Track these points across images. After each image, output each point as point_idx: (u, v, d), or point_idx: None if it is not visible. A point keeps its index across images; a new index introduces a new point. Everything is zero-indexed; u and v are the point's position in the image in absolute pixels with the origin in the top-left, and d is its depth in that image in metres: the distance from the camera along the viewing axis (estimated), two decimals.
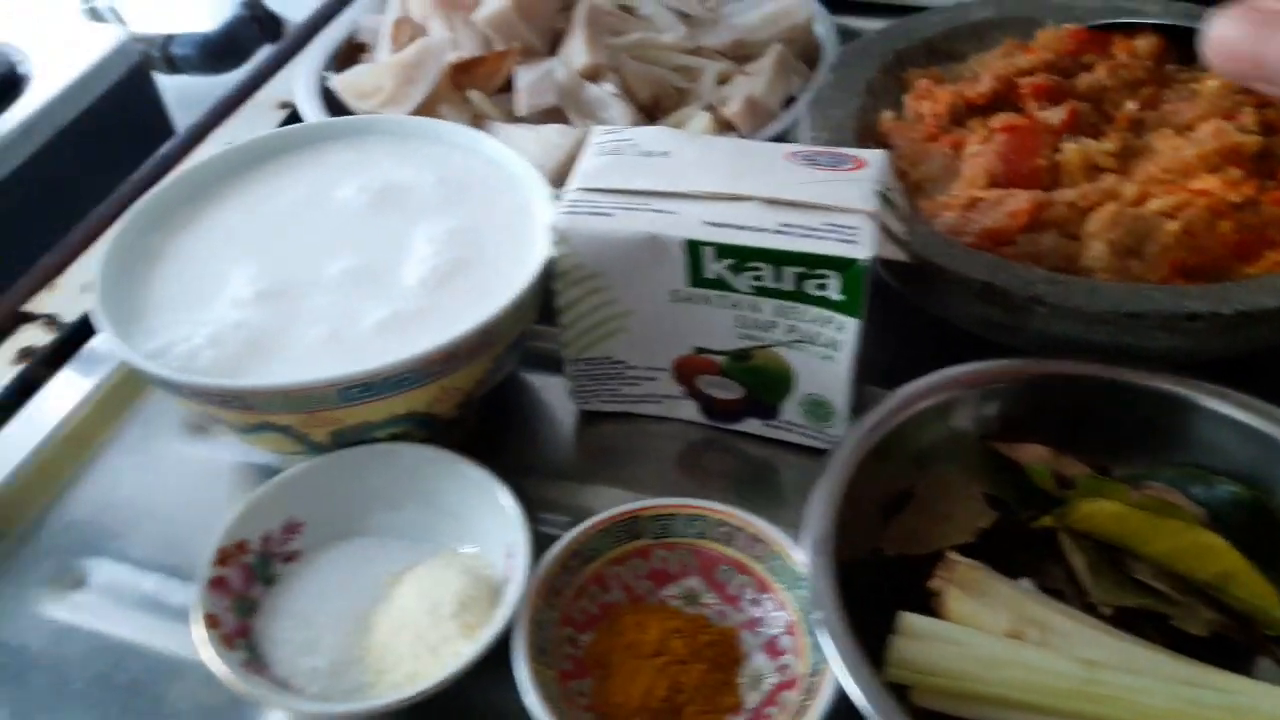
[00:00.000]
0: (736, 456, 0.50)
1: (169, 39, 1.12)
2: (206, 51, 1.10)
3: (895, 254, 0.44)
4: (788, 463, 0.49)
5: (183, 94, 1.06)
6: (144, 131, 0.99)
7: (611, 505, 0.47)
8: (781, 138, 0.56)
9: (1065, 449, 0.44)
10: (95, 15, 1.10)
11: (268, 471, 0.49)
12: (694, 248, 0.42)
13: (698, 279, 0.43)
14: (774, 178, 0.44)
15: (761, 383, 0.47)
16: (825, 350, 0.44)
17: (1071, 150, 0.51)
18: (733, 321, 0.45)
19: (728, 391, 0.48)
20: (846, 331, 0.43)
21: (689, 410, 0.49)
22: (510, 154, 0.50)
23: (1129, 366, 0.44)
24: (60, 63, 0.91)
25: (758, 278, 0.42)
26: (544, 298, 0.46)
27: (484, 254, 0.47)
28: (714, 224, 0.42)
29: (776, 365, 0.46)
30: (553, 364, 0.51)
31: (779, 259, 0.42)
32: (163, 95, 1.02)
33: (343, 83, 0.58)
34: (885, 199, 0.43)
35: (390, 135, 0.53)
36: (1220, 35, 0.38)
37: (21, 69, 0.90)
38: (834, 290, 0.42)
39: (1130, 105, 0.54)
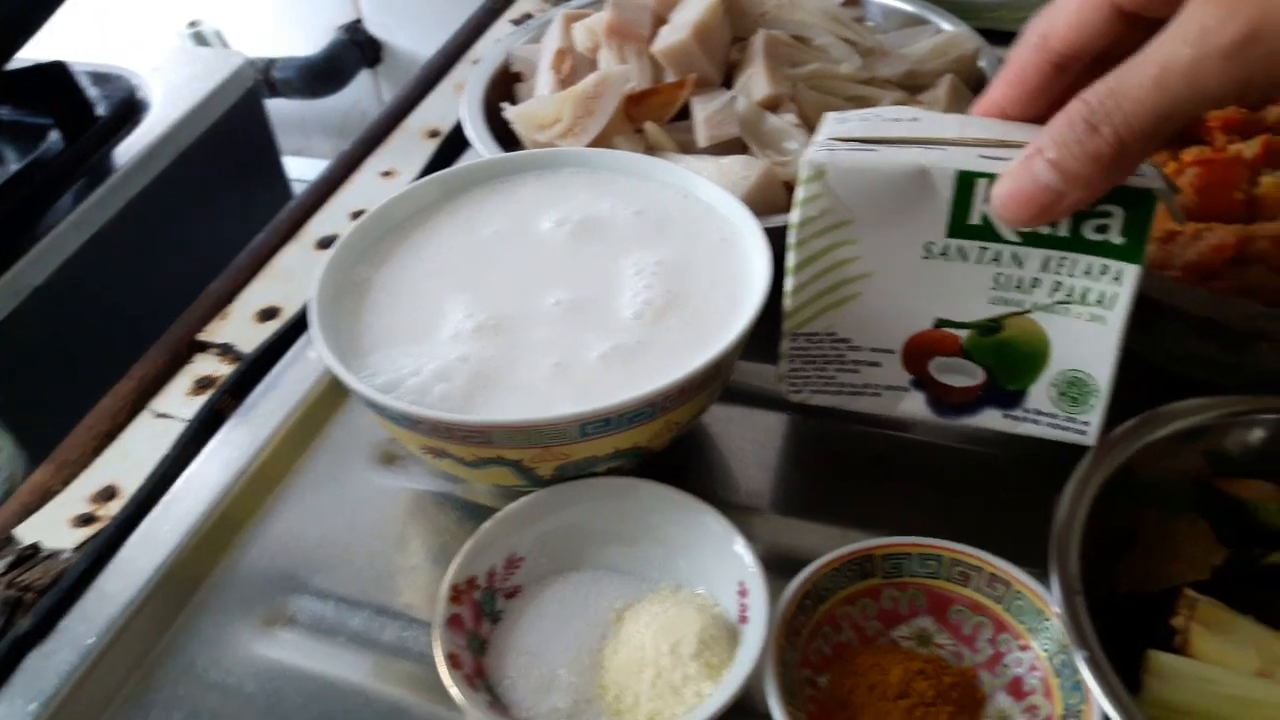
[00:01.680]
0: (926, 481, 0.49)
1: (271, 62, 1.13)
2: (307, 75, 1.11)
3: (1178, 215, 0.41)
4: (990, 480, 0.49)
5: (279, 116, 1.06)
6: (253, 154, 1.00)
7: (796, 539, 0.48)
8: None
9: None
10: (200, 39, 1.11)
11: (456, 501, 0.50)
12: (966, 181, 0.39)
13: (959, 226, 0.40)
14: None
15: (1009, 361, 0.43)
16: (1094, 310, 0.41)
17: (1269, 183, 0.51)
18: (988, 282, 0.41)
19: (965, 377, 0.44)
20: (1125, 282, 0.40)
21: (914, 404, 0.46)
22: (709, 186, 0.50)
23: None
24: (177, 87, 0.92)
25: None
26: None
27: (695, 286, 0.47)
28: (988, 158, 0.39)
29: (1031, 336, 0.42)
30: (731, 395, 0.51)
31: None
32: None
33: (518, 114, 0.58)
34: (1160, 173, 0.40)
35: (582, 168, 0.52)
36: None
37: (141, 94, 0.91)
38: (1115, 231, 0.39)
39: None
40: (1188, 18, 0.32)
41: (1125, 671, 0.36)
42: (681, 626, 0.40)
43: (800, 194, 0.41)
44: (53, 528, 0.49)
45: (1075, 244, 0.40)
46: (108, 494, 0.50)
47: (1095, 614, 0.37)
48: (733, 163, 0.54)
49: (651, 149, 0.57)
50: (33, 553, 0.47)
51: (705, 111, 0.56)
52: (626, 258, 0.48)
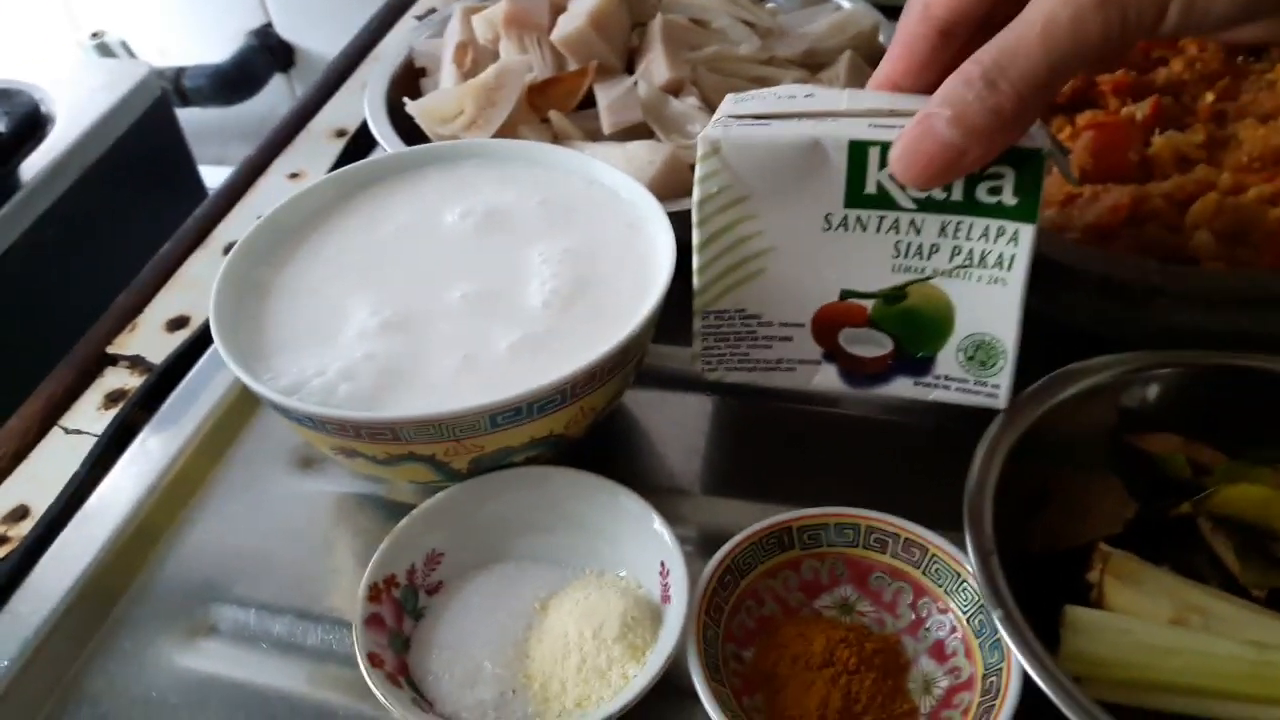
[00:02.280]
0: (849, 454, 0.50)
1: (180, 71, 1.11)
2: (219, 83, 1.09)
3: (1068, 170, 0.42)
4: (912, 450, 0.50)
5: (195, 125, 1.04)
6: (166, 165, 0.98)
7: (722, 517, 0.48)
8: None
9: (1194, 438, 0.44)
10: (105, 50, 1.09)
11: (378, 501, 0.50)
12: (858, 151, 0.40)
13: (856, 196, 0.41)
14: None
15: (916, 328, 0.44)
16: (994, 273, 0.42)
17: (1161, 143, 0.52)
18: (889, 250, 0.42)
19: (875, 347, 0.45)
20: (1021, 243, 0.40)
21: (827, 377, 0.46)
22: (612, 172, 0.50)
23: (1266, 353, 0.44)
24: (81, 100, 0.90)
25: None
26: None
27: (601, 272, 0.47)
28: (879, 127, 0.40)
29: (935, 302, 0.43)
30: (652, 379, 0.51)
31: None
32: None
33: (421, 109, 0.57)
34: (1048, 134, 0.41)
35: (485, 159, 0.52)
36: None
37: (45, 108, 0.89)
38: (1008, 192, 0.39)
39: (1209, 97, 0.55)
40: None
41: (1044, 628, 0.37)
42: (603, 611, 0.40)
43: (699, 171, 0.41)
44: None
45: (970, 208, 0.40)
46: (19, 514, 0.49)
47: (1012, 573, 0.38)
48: (638, 148, 0.54)
49: (558, 138, 0.57)
50: None
51: (608, 98, 0.56)
52: (533, 247, 0.48)
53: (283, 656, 0.44)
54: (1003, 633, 0.36)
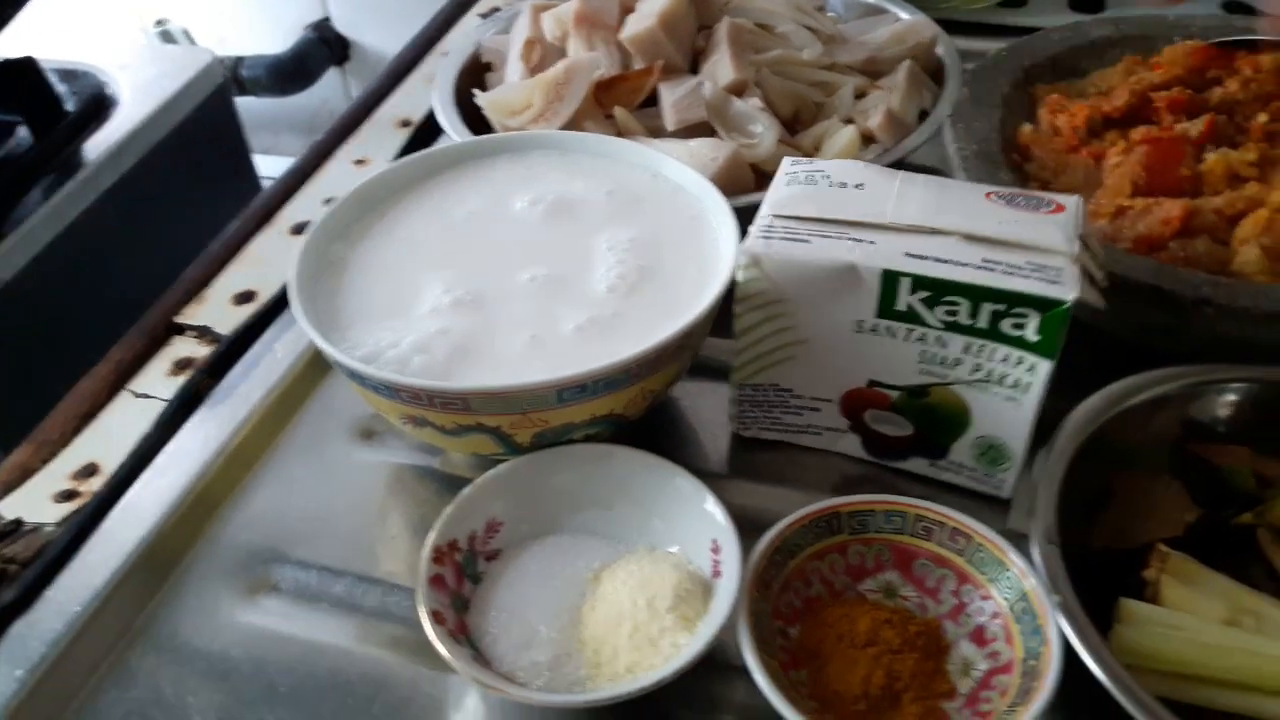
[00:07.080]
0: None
1: (239, 60, 1.13)
2: (276, 73, 1.12)
3: (1095, 300, 0.42)
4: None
5: (247, 114, 1.07)
6: (223, 151, 1.00)
7: (766, 503, 0.49)
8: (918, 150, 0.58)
9: (1263, 451, 0.45)
10: (168, 37, 1.12)
11: (433, 474, 0.51)
12: (890, 278, 0.42)
13: (887, 310, 0.43)
14: (975, 214, 0.44)
15: (935, 422, 0.47)
16: (1011, 392, 0.44)
17: (1214, 160, 0.53)
18: (915, 356, 0.45)
19: (896, 428, 0.48)
20: (1038, 374, 0.43)
21: (850, 445, 0.49)
22: (678, 166, 0.51)
23: None
24: (146, 84, 0.93)
25: (951, 312, 0.43)
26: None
27: (666, 262, 0.48)
28: (914, 255, 0.42)
29: (954, 404, 0.46)
30: (701, 370, 0.53)
31: (979, 295, 0.42)
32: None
33: (490, 100, 0.59)
34: (1085, 243, 0.43)
35: (554, 150, 0.54)
36: None
37: (110, 90, 0.91)
38: (1031, 330, 0.42)
39: (1262, 117, 0.56)
40: None
41: (1097, 621, 0.38)
42: (657, 582, 0.41)
43: (740, 276, 0.44)
44: (35, 504, 0.49)
45: (994, 335, 0.43)
46: (89, 471, 0.51)
47: (1071, 567, 0.39)
48: (701, 145, 0.56)
49: (622, 133, 0.59)
50: (15, 527, 0.47)
51: (673, 96, 0.58)
52: (599, 235, 0.49)
53: (342, 616, 0.45)
54: (1059, 619, 0.37)
